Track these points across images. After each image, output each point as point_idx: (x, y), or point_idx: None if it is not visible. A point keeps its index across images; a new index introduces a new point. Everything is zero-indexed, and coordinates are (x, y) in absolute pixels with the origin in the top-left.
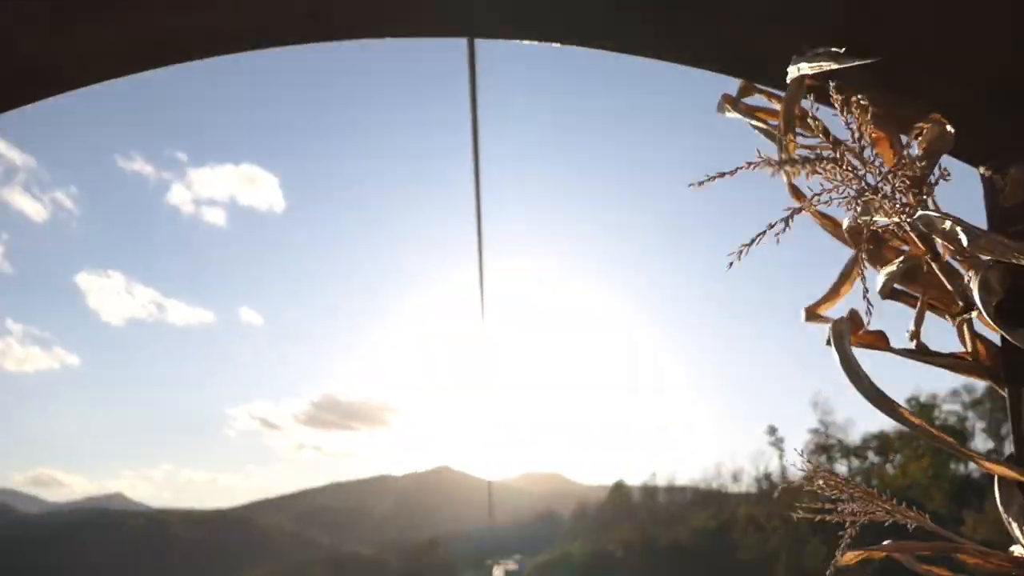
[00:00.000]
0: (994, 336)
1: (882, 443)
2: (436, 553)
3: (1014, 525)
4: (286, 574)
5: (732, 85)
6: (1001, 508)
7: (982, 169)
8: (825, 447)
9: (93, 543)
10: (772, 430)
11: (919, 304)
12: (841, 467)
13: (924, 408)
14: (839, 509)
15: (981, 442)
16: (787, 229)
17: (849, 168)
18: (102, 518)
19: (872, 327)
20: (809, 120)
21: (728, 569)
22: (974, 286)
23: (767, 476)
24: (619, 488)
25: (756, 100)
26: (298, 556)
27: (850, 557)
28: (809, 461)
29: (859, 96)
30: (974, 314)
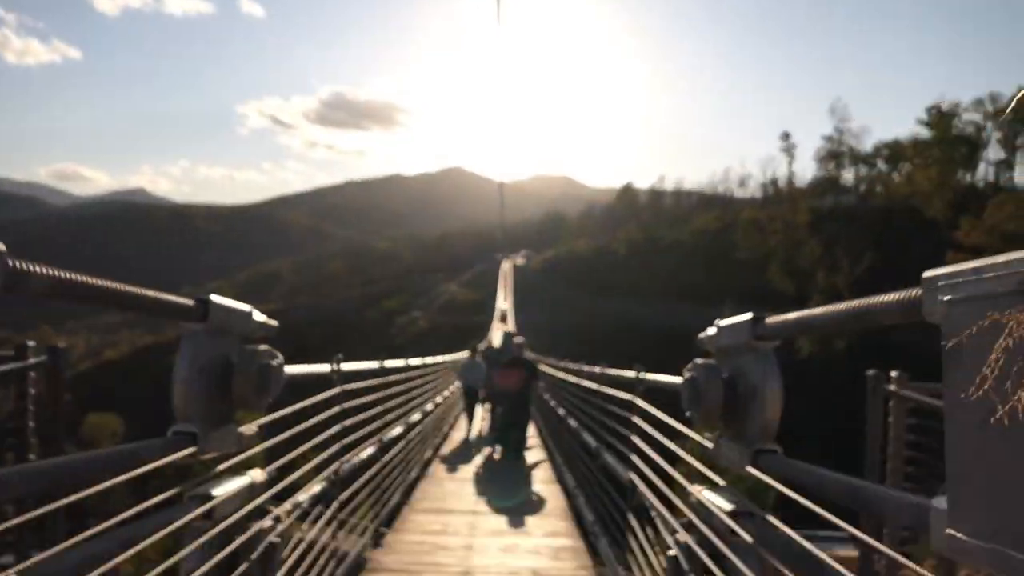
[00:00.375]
0: None
1: (893, 152)
2: (447, 247)
3: None
4: (307, 264)
5: None
6: None
7: None
8: (836, 154)
9: (122, 234)
10: (785, 136)
11: None
12: (848, 175)
13: (944, 116)
14: None
15: (994, 152)
16: None
17: None
18: (129, 211)
19: None
20: None
21: (726, 266)
22: None
23: (774, 182)
24: (627, 191)
25: None
26: (317, 248)
27: None
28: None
29: None
30: None
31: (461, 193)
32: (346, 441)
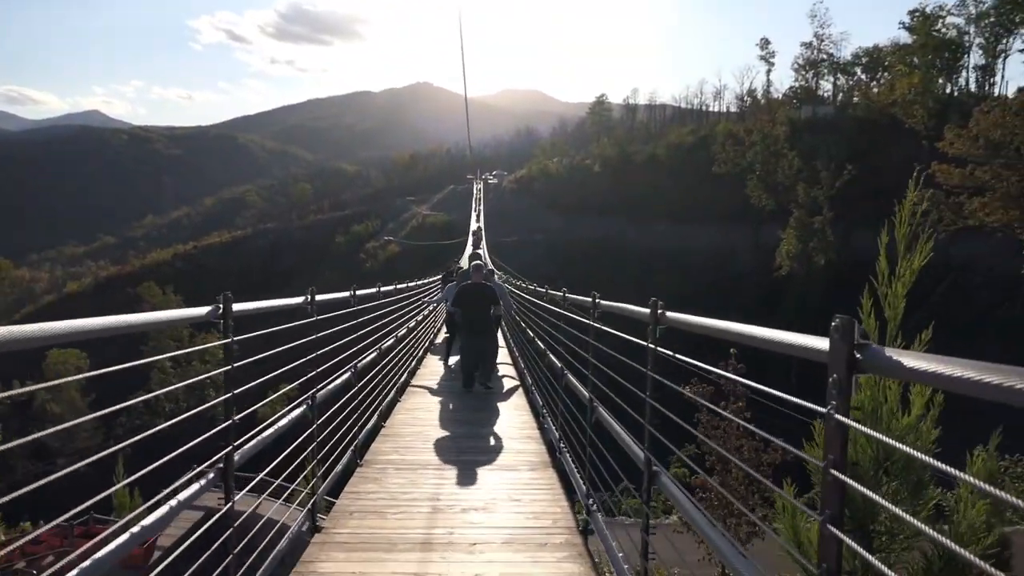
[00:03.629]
0: None
1: (873, 59)
2: (417, 167)
3: None
4: (273, 189)
5: None
6: None
7: None
8: (815, 63)
9: (79, 159)
10: (765, 43)
11: None
12: (827, 84)
13: (928, 18)
14: None
15: (976, 58)
16: None
17: None
18: (84, 134)
19: None
20: None
21: (702, 181)
22: None
23: (751, 93)
24: (599, 105)
25: None
26: (283, 171)
27: None
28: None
29: None
30: None
31: (429, 109)
32: (322, 368)
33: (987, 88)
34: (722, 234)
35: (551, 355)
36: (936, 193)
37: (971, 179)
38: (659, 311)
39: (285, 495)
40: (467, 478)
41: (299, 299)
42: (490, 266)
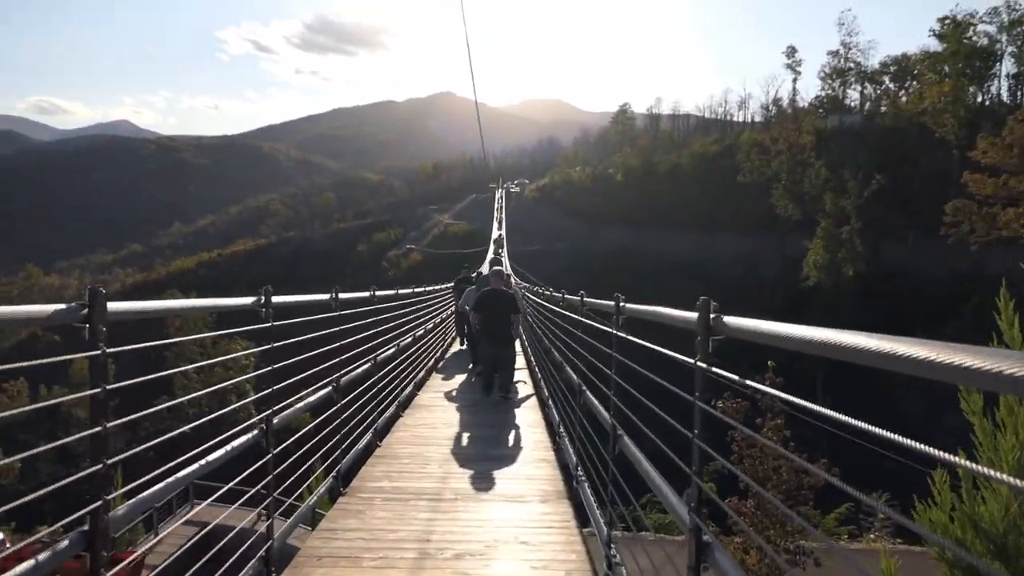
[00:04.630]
0: None
1: (901, 68)
2: (439, 177)
3: None
4: (297, 197)
5: None
6: None
7: None
8: (841, 71)
9: (108, 169)
10: (791, 51)
11: None
12: (854, 92)
13: (959, 26)
14: None
15: (1008, 66)
16: None
17: None
18: (113, 144)
19: None
20: None
21: (727, 191)
22: None
23: (776, 102)
24: (622, 114)
25: None
26: (307, 180)
27: None
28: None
29: None
30: None
31: (453, 119)
32: (344, 356)
33: (1020, 97)
34: (747, 244)
35: (568, 368)
36: (968, 203)
37: (1005, 189)
38: (711, 315)
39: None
40: (467, 512)
41: (325, 296)
42: (509, 271)
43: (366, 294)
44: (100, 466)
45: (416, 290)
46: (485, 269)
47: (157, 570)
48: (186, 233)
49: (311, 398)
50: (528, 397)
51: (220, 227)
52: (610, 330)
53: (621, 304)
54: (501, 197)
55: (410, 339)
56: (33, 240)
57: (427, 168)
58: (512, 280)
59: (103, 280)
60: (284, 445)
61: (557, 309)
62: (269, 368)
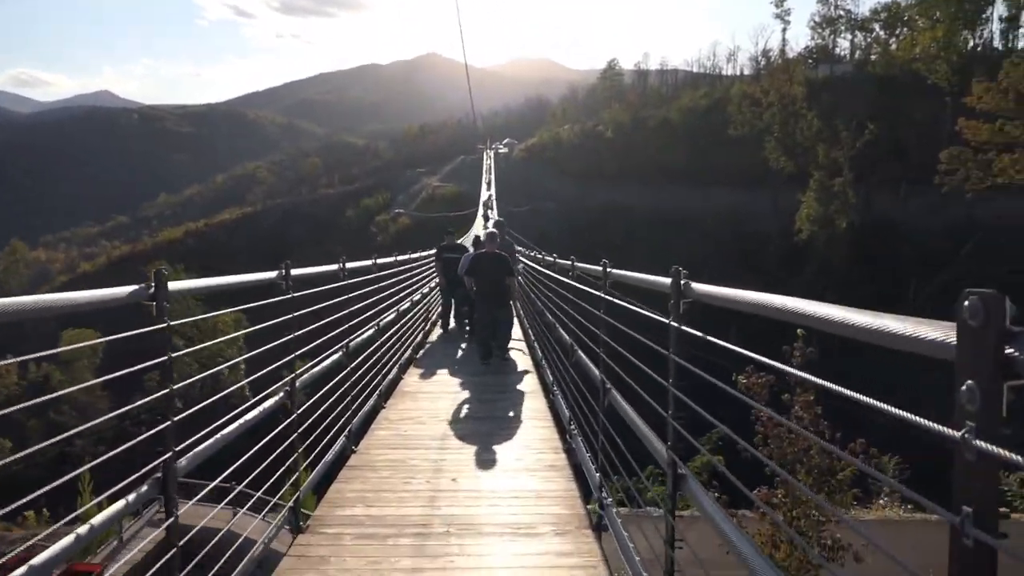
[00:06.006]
0: None
1: (892, 15)
2: (426, 138)
3: None
4: (283, 164)
5: None
6: None
7: None
8: (831, 20)
9: (90, 140)
10: (780, 0)
11: None
12: (844, 41)
13: None
14: None
15: (1001, 9)
16: None
17: None
18: (95, 114)
19: None
20: None
21: (718, 145)
22: None
23: (766, 53)
24: (610, 70)
25: None
26: (292, 146)
27: None
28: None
29: None
30: None
31: (439, 80)
32: (352, 322)
33: (1012, 41)
34: (740, 198)
35: (560, 329)
36: (963, 150)
37: (1001, 135)
38: (682, 282)
39: None
40: (460, 554)
41: (335, 266)
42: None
43: (368, 263)
44: (169, 423)
45: (399, 258)
46: (480, 231)
47: None
48: (173, 203)
49: (326, 361)
50: (528, 372)
51: (207, 196)
52: (599, 293)
53: (608, 269)
54: (490, 158)
55: (362, 339)
56: (17, 214)
57: (413, 130)
58: (504, 227)
59: (89, 252)
60: (305, 406)
61: (549, 273)
62: (291, 336)
